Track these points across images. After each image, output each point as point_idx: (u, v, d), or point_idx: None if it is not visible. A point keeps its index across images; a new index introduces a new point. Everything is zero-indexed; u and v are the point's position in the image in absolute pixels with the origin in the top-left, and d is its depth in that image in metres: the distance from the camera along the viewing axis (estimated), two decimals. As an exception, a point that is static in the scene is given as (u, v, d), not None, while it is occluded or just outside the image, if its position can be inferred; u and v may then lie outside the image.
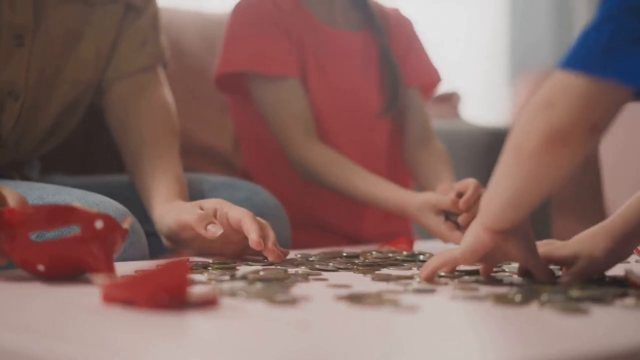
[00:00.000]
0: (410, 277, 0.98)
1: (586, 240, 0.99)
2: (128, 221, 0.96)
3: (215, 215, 1.11)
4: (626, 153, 1.94)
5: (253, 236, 1.07)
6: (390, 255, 1.18)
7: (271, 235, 1.10)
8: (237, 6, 1.50)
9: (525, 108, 0.86)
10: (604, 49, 0.81)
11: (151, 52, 1.35)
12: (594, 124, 0.82)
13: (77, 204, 0.89)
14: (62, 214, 0.88)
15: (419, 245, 1.33)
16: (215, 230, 1.08)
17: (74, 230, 0.89)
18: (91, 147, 1.60)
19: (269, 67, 1.44)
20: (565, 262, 0.98)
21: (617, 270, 1.00)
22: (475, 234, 0.91)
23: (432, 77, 1.61)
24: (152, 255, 1.14)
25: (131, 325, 0.73)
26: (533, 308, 0.81)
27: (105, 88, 1.33)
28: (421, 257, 1.15)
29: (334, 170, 1.42)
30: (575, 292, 0.85)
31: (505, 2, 4.19)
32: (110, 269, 0.88)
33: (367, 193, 1.39)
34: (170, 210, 1.15)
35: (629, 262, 1.18)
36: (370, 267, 1.07)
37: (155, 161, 1.24)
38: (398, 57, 1.56)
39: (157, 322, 0.73)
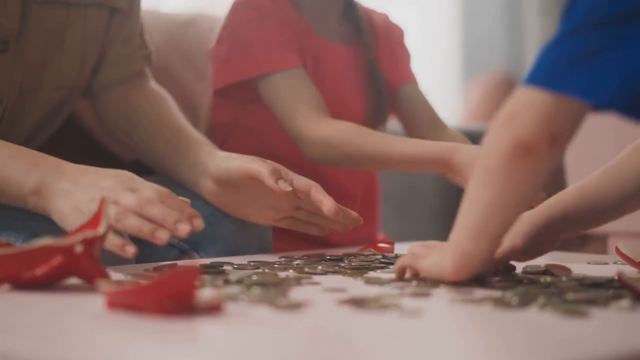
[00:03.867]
0: (403, 281, 0.99)
1: (513, 228, 1.00)
2: (103, 225, 0.93)
3: None
4: (592, 167, 1.96)
5: (328, 203, 1.11)
6: (374, 258, 1.19)
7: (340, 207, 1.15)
8: (236, 8, 1.45)
9: (491, 126, 0.88)
10: (561, 65, 0.84)
11: (143, 55, 1.37)
12: (554, 135, 0.84)
13: (47, 239, 0.86)
14: (41, 254, 0.86)
15: (399, 248, 1.34)
16: (285, 186, 1.11)
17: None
18: (60, 150, 1.58)
19: (281, 63, 1.39)
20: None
21: (609, 272, 1.02)
22: (440, 269, 0.93)
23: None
24: (138, 259, 1.13)
25: (137, 332, 0.73)
26: (533, 311, 0.82)
27: (98, 93, 1.34)
28: (405, 260, 1.16)
29: (364, 139, 1.32)
30: (571, 295, 0.87)
31: (457, 5, 4.22)
32: (102, 276, 0.87)
33: (406, 152, 1.28)
34: (230, 155, 1.18)
35: (607, 264, 1.21)
36: (358, 271, 1.07)
37: (175, 126, 1.29)
38: (386, 59, 1.54)
39: (163, 328, 0.73)
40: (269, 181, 1.12)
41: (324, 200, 1.13)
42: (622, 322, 0.79)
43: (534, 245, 1.04)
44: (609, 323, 0.78)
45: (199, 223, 0.98)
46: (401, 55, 1.57)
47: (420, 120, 1.50)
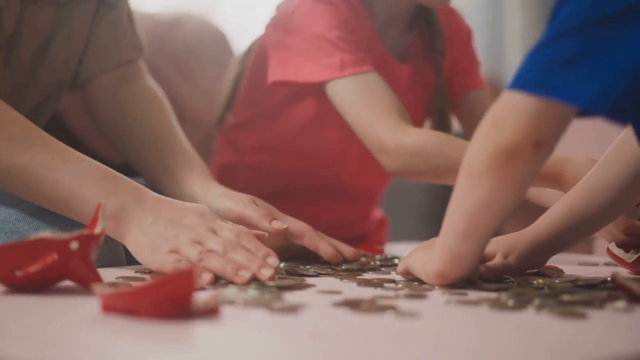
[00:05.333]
0: (396, 282, 0.99)
1: (507, 242, 1.04)
2: (99, 226, 0.93)
3: None
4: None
5: (326, 249, 1.12)
6: (364, 259, 1.19)
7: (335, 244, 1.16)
8: (306, 2, 1.34)
9: (476, 130, 0.88)
10: (545, 70, 0.84)
11: (132, 44, 1.34)
12: (538, 139, 0.84)
13: (45, 233, 0.86)
14: (36, 248, 0.85)
15: (390, 249, 1.34)
16: (280, 224, 1.11)
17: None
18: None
19: (358, 66, 1.29)
20: (484, 258, 1.03)
21: (601, 273, 1.03)
22: (427, 272, 0.94)
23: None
24: (130, 261, 1.12)
25: (133, 334, 0.72)
26: (530, 313, 0.82)
27: (85, 82, 1.32)
28: (396, 261, 1.16)
29: (459, 151, 1.14)
30: (566, 297, 0.87)
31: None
32: (96, 279, 0.87)
33: None
34: (224, 194, 1.17)
35: (597, 265, 1.21)
36: (350, 273, 1.07)
37: (170, 140, 1.27)
38: (449, 65, 1.46)
39: (160, 331, 0.72)
40: (263, 224, 1.12)
41: (321, 246, 1.14)
42: (619, 323, 0.79)
43: (527, 263, 1.05)
44: (607, 325, 0.78)
45: (274, 261, 0.99)
46: (467, 61, 1.49)
47: None
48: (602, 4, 0.83)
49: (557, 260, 1.12)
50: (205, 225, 1.02)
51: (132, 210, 1.02)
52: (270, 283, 0.94)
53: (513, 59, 3.80)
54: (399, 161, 1.23)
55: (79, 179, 1.03)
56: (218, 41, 1.91)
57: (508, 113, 0.85)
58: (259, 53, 1.42)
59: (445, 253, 0.91)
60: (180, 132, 1.30)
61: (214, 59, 1.85)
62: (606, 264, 1.21)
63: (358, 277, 1.03)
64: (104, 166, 1.06)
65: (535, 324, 0.78)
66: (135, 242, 1.01)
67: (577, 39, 0.83)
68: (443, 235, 0.91)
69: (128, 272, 1.03)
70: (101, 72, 1.31)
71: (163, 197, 1.06)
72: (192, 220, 1.02)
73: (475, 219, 0.89)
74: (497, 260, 1.02)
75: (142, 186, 1.06)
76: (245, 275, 0.96)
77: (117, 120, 1.31)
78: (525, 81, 0.85)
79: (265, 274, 0.96)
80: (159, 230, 1.01)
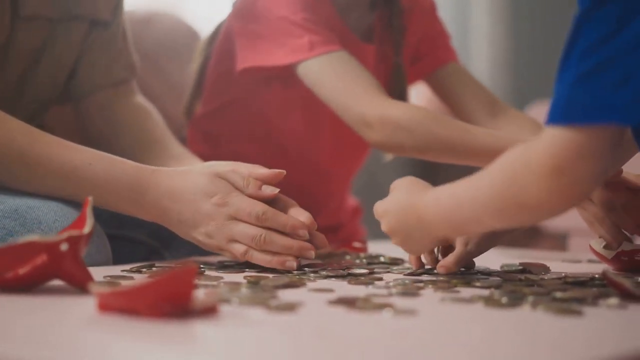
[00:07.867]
0: (385, 280, 0.99)
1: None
2: (88, 224, 0.93)
3: None
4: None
5: (305, 218, 1.08)
6: (348, 257, 1.19)
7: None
8: None
9: (523, 159, 0.84)
10: (600, 96, 0.80)
11: (126, 64, 1.36)
12: (605, 170, 0.84)
13: (34, 236, 0.85)
14: (26, 251, 0.84)
15: (373, 247, 1.34)
16: (272, 190, 1.09)
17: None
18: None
19: (328, 45, 1.28)
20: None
21: (586, 270, 1.03)
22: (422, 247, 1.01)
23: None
24: (118, 260, 1.11)
25: (131, 334, 0.71)
26: (525, 310, 0.82)
27: (80, 98, 1.33)
28: (382, 259, 1.16)
29: (444, 125, 1.19)
30: (559, 294, 0.87)
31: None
32: (87, 279, 0.86)
33: (494, 144, 1.14)
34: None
35: (580, 262, 1.22)
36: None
37: (164, 142, 1.29)
38: (415, 44, 1.44)
39: (158, 331, 0.71)
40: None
41: (301, 216, 1.09)
42: (615, 320, 0.79)
43: (483, 247, 1.05)
44: (603, 322, 0.78)
45: (304, 233, 1.06)
46: (435, 34, 1.46)
47: (474, 104, 1.38)
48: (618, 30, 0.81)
49: (540, 258, 1.13)
50: (222, 215, 1.06)
51: (162, 217, 1.09)
52: (263, 281, 0.94)
53: (479, 56, 3.82)
54: (383, 134, 1.21)
55: (94, 190, 1.05)
56: (191, 38, 1.90)
57: (574, 159, 0.81)
58: (223, 39, 1.40)
59: (436, 234, 0.95)
60: (172, 136, 1.32)
61: (186, 56, 1.84)
62: (589, 260, 1.21)
63: (349, 272, 1.03)
64: (109, 168, 1.08)
65: (531, 322, 0.78)
66: (185, 238, 1.10)
67: (619, 63, 0.80)
68: (443, 216, 0.92)
69: (114, 271, 1.02)
70: (95, 89, 1.33)
71: (165, 190, 1.08)
72: (207, 210, 1.06)
73: (484, 227, 0.94)
74: (459, 250, 1.03)
75: (144, 180, 1.08)
76: (292, 264, 1.03)
77: (111, 129, 1.33)
78: (579, 114, 0.81)
79: (308, 255, 1.04)
80: (192, 228, 1.08)
